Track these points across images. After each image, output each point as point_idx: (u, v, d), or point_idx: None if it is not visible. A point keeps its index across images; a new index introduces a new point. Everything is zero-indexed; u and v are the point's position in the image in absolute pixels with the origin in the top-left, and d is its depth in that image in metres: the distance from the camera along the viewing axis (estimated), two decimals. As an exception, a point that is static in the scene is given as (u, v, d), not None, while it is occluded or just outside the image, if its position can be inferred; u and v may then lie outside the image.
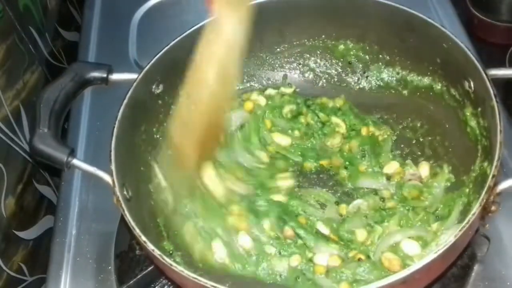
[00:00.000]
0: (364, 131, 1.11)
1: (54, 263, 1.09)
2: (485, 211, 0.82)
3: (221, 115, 0.96)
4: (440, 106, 1.06)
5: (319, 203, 1.04)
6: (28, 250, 1.20)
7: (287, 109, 1.15)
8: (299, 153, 1.11)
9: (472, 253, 0.98)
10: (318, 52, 1.19)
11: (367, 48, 1.14)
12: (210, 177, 1.01)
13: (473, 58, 0.92)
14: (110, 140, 0.91)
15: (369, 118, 1.13)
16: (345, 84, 1.19)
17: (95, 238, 1.11)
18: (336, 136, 1.10)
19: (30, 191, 1.25)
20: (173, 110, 1.01)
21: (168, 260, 0.80)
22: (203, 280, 0.77)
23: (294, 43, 1.18)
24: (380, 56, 1.14)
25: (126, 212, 0.85)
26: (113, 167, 0.89)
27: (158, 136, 1.07)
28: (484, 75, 0.89)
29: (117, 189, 0.87)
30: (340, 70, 1.19)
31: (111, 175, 0.88)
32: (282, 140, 1.12)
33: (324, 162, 1.09)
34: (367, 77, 1.17)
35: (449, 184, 1.00)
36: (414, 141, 1.09)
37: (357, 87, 1.18)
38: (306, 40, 1.18)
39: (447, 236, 0.90)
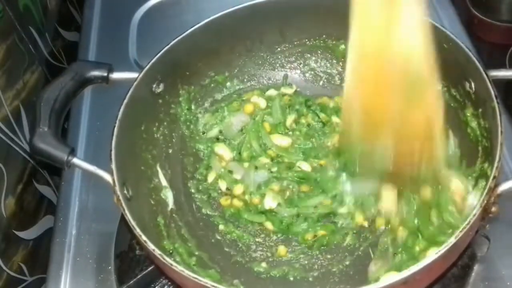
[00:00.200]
0: None
1: (54, 263, 1.09)
2: (485, 212, 0.82)
3: None
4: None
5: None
6: (28, 250, 1.20)
7: (290, 120, 1.15)
8: (300, 154, 1.11)
9: (472, 253, 0.98)
10: (319, 52, 1.19)
11: (368, 48, 1.14)
12: None
13: (474, 59, 0.92)
14: (110, 139, 0.91)
15: None
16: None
17: (95, 238, 1.11)
18: (336, 136, 1.10)
19: (30, 191, 1.25)
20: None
21: (168, 260, 0.80)
22: (203, 280, 0.77)
23: (295, 42, 1.18)
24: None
25: (127, 212, 0.85)
26: (113, 166, 0.89)
27: (158, 135, 1.08)
28: (485, 76, 0.89)
29: (117, 188, 0.87)
30: (341, 70, 1.19)
31: (112, 174, 0.88)
32: (282, 141, 1.12)
33: (324, 162, 1.09)
34: (367, 77, 1.17)
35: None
36: (414, 142, 1.09)
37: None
38: (306, 40, 1.18)
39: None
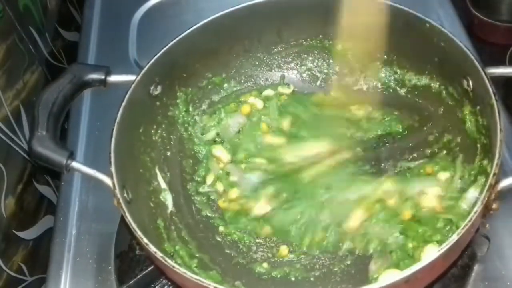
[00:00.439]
0: None
1: (54, 263, 1.09)
2: (486, 209, 0.83)
3: None
4: (438, 105, 1.06)
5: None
6: (28, 250, 1.20)
7: (286, 123, 1.15)
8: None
9: (472, 253, 0.98)
10: (316, 52, 1.19)
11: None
12: None
13: (472, 57, 0.92)
14: (109, 142, 0.91)
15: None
16: (343, 84, 1.19)
17: (95, 238, 1.12)
18: None
19: (30, 191, 1.25)
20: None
21: (170, 262, 0.80)
22: (205, 282, 0.77)
23: (292, 43, 1.18)
24: (378, 55, 1.14)
25: (127, 215, 0.85)
26: (113, 169, 0.89)
27: (156, 137, 1.08)
28: (483, 73, 0.89)
29: (117, 191, 0.87)
30: (337, 69, 1.19)
31: (111, 177, 0.88)
32: (276, 140, 1.12)
33: None
34: (364, 77, 1.17)
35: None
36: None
37: (355, 87, 1.18)
38: (303, 40, 1.18)
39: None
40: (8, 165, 1.15)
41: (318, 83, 1.21)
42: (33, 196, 1.27)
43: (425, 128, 1.08)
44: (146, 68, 1.01)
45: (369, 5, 1.06)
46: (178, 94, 1.11)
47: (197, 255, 0.99)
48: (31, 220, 1.25)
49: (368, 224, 0.98)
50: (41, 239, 1.26)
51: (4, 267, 1.10)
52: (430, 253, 0.85)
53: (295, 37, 1.17)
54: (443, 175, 1.00)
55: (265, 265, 1.00)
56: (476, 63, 0.91)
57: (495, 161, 0.81)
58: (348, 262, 0.97)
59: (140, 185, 1.00)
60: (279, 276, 0.98)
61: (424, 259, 0.76)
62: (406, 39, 1.06)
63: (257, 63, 1.20)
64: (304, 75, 1.21)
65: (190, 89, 1.14)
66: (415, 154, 1.07)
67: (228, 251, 1.03)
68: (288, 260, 1.00)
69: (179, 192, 1.08)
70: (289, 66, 1.21)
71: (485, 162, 0.91)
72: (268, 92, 1.19)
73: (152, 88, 1.04)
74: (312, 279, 0.97)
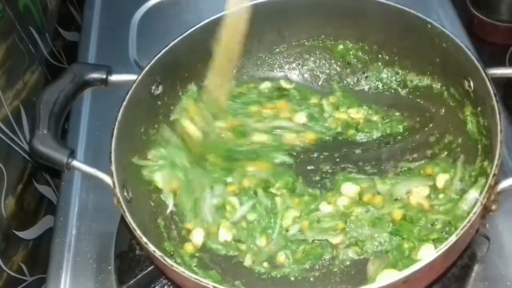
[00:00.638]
0: None
1: (54, 263, 1.09)
2: (485, 210, 0.83)
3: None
4: (439, 105, 1.06)
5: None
6: (28, 250, 1.20)
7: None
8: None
9: (472, 253, 0.98)
10: (317, 52, 1.19)
11: (366, 48, 1.14)
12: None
13: (473, 58, 0.92)
14: (110, 141, 0.91)
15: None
16: (344, 84, 1.19)
17: (95, 238, 1.12)
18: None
19: (30, 191, 1.25)
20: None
21: (169, 261, 0.80)
22: (204, 281, 0.77)
23: (293, 43, 1.18)
24: (380, 56, 1.14)
25: (127, 214, 0.85)
26: (113, 168, 0.89)
27: (157, 137, 1.07)
28: (483, 74, 0.89)
29: (117, 190, 0.87)
30: (339, 70, 1.19)
31: (111, 176, 0.88)
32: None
33: None
34: (366, 77, 1.17)
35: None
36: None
37: (357, 87, 1.18)
38: (305, 40, 1.18)
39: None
40: (8, 165, 1.15)
41: (320, 83, 1.21)
42: (33, 196, 1.27)
43: (426, 129, 1.08)
44: (147, 67, 1.01)
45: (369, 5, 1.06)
46: (179, 93, 1.11)
47: (197, 255, 0.99)
48: (31, 220, 1.25)
49: (355, 228, 0.98)
50: (41, 239, 1.26)
51: (4, 267, 1.10)
52: (427, 252, 0.85)
53: (297, 37, 1.17)
54: (443, 177, 1.00)
55: (265, 264, 1.00)
56: (477, 64, 0.91)
57: (495, 162, 0.81)
58: (348, 263, 0.97)
59: (140, 185, 1.00)
60: (278, 276, 0.98)
61: (422, 260, 0.76)
62: (407, 39, 1.06)
63: (258, 63, 1.20)
64: (306, 75, 1.21)
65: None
66: (415, 155, 1.07)
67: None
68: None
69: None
70: (291, 66, 1.21)
71: (485, 163, 0.91)
72: (266, 84, 1.19)
73: (153, 87, 1.04)
74: (311, 279, 0.97)
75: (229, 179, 1.06)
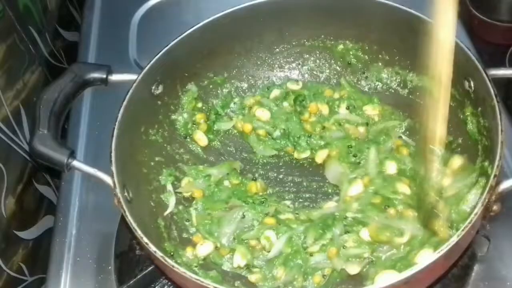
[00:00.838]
0: None
1: (54, 263, 1.09)
2: (487, 211, 0.83)
3: None
4: (440, 106, 1.06)
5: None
6: (28, 250, 1.20)
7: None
8: None
9: (472, 253, 0.98)
10: (317, 52, 1.19)
11: (367, 48, 1.14)
12: None
13: (473, 58, 0.92)
14: (110, 141, 0.91)
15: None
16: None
17: (95, 238, 1.12)
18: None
19: (30, 191, 1.25)
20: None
21: (170, 262, 0.80)
22: (205, 282, 0.77)
23: (293, 43, 1.18)
24: (380, 56, 1.14)
25: (128, 214, 0.85)
26: (113, 168, 0.89)
27: (158, 137, 1.07)
28: (484, 74, 0.89)
29: (118, 190, 0.87)
30: (339, 70, 1.19)
31: (112, 176, 0.88)
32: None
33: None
34: (366, 77, 1.17)
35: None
36: (414, 141, 1.09)
37: (357, 87, 1.18)
38: (305, 40, 1.18)
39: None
40: (8, 165, 1.15)
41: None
42: (33, 196, 1.27)
43: (426, 129, 1.08)
44: (147, 67, 1.01)
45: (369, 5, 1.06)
46: (179, 93, 1.11)
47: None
48: (31, 220, 1.25)
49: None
50: (41, 239, 1.26)
51: (4, 267, 1.10)
52: (428, 255, 0.85)
53: (297, 37, 1.17)
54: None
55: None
56: (478, 64, 0.91)
57: (496, 163, 0.81)
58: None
59: (141, 185, 1.00)
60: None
61: (424, 261, 0.76)
62: (407, 39, 1.06)
63: (258, 63, 1.20)
64: (306, 75, 1.21)
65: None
66: (416, 155, 1.07)
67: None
68: None
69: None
70: (291, 66, 1.21)
71: (486, 163, 0.91)
72: (275, 93, 1.19)
73: (153, 87, 1.04)
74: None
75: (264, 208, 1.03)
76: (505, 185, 0.83)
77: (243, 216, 1.01)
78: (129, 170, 0.96)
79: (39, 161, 0.91)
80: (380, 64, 1.14)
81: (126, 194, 0.90)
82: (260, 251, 0.99)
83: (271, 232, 0.99)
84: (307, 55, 1.20)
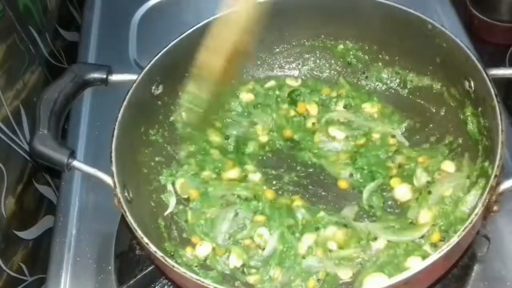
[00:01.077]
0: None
1: (54, 263, 1.09)
2: (487, 211, 0.83)
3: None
4: (440, 106, 1.06)
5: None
6: (28, 250, 1.20)
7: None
8: None
9: (472, 253, 0.98)
10: (317, 52, 1.19)
11: (367, 48, 1.14)
12: None
13: (473, 58, 0.92)
14: (110, 141, 0.91)
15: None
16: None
17: (95, 238, 1.12)
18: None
19: (30, 191, 1.25)
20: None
21: (170, 262, 0.80)
22: (205, 282, 0.77)
23: (293, 43, 1.18)
24: (380, 56, 1.14)
25: (128, 214, 0.85)
26: (114, 168, 0.89)
27: (158, 137, 1.07)
28: (484, 74, 0.89)
29: (118, 191, 0.87)
30: (339, 70, 1.19)
31: (112, 176, 0.88)
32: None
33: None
34: (366, 77, 1.17)
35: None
36: (414, 141, 1.09)
37: (356, 85, 1.18)
38: (305, 40, 1.18)
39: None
40: (8, 165, 1.14)
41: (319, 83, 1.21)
42: (33, 196, 1.27)
43: (426, 129, 1.08)
44: (148, 67, 1.01)
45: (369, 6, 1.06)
46: (179, 94, 1.11)
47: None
48: (31, 220, 1.25)
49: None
50: (41, 239, 1.26)
51: (4, 267, 1.10)
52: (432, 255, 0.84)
53: (297, 37, 1.17)
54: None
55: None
56: (478, 64, 0.91)
57: (496, 163, 0.81)
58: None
59: (141, 185, 1.00)
60: (279, 277, 0.98)
61: (424, 261, 0.76)
62: (407, 39, 1.06)
63: (258, 63, 1.20)
64: (306, 75, 1.21)
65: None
66: (416, 155, 1.07)
67: (228, 252, 1.02)
68: None
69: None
70: (291, 66, 1.21)
71: (486, 163, 0.91)
72: (271, 83, 1.19)
73: (153, 87, 1.04)
74: None
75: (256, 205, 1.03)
76: (505, 185, 0.83)
77: (236, 214, 1.02)
78: (129, 170, 0.96)
79: (39, 161, 0.91)
80: (380, 64, 1.14)
81: (126, 194, 0.90)
82: (255, 249, 0.99)
83: (264, 229, 0.99)
84: (307, 55, 1.20)
